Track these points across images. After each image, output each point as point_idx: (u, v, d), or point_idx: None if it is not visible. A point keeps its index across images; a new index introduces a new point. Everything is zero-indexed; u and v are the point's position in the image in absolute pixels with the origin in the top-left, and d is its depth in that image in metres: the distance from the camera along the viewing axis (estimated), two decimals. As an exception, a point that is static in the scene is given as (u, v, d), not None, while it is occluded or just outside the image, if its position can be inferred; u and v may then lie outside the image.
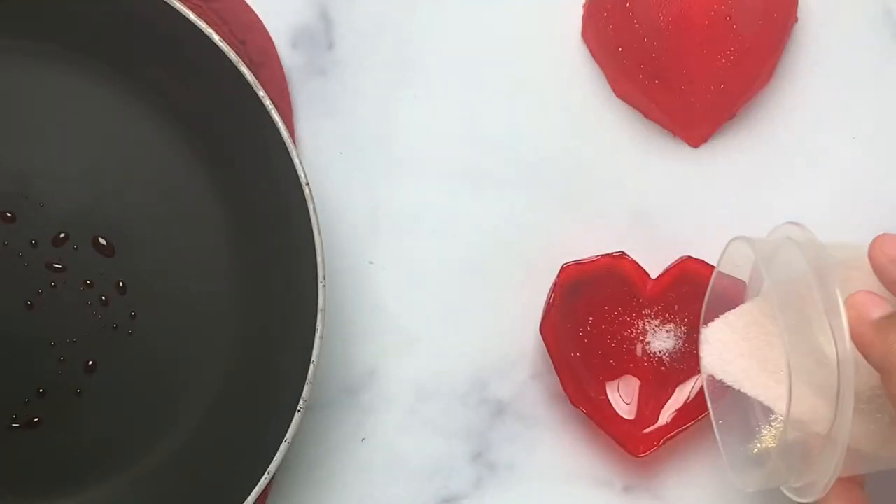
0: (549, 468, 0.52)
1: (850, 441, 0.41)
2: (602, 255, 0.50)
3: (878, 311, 0.40)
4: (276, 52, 0.51)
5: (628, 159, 0.52)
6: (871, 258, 0.42)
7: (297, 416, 0.45)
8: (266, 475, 0.45)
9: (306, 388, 0.45)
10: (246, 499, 0.45)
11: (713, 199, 0.52)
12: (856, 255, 0.43)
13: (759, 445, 0.46)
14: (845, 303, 0.41)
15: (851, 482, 0.44)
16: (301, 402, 0.45)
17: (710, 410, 0.47)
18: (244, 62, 0.46)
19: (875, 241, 0.42)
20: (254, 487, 0.45)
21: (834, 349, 0.41)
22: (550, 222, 0.52)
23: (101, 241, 0.50)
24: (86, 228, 0.50)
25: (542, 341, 0.49)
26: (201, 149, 0.50)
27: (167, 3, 0.45)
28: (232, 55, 0.46)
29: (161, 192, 0.50)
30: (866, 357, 0.40)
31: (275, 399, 0.47)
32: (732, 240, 0.46)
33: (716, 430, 0.47)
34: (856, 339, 0.41)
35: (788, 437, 0.42)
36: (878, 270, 0.42)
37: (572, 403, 0.49)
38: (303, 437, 0.51)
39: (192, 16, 0.45)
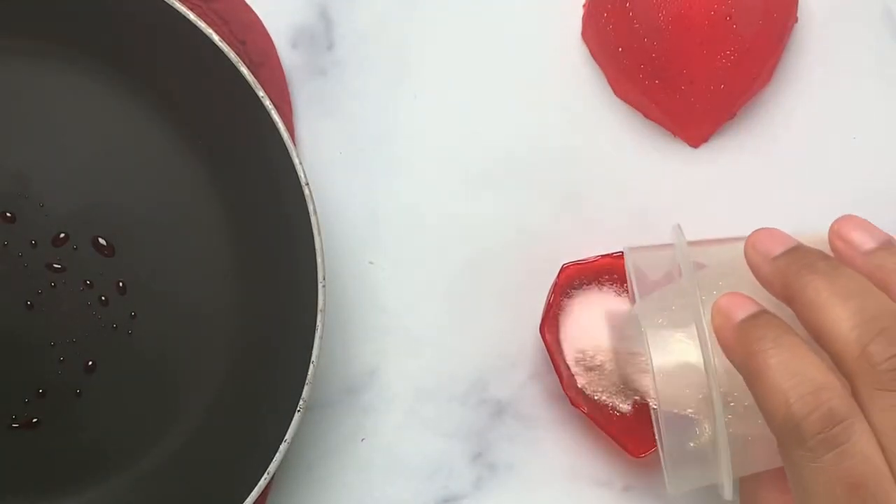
0: (549, 468, 0.52)
1: (748, 438, 0.40)
2: (602, 255, 0.50)
3: (742, 312, 0.39)
4: (276, 52, 0.51)
5: (628, 159, 0.52)
6: (746, 256, 0.41)
7: (297, 416, 0.45)
8: (266, 475, 0.45)
9: (306, 388, 0.45)
10: (246, 499, 0.45)
11: (713, 199, 0.52)
12: (737, 254, 0.42)
13: (696, 442, 0.45)
14: (712, 308, 0.40)
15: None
16: (301, 402, 0.45)
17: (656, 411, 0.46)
18: (244, 62, 0.46)
19: (749, 237, 0.41)
20: (254, 487, 0.45)
21: (700, 357, 0.40)
22: (550, 222, 0.52)
23: (101, 241, 0.50)
24: (86, 228, 0.50)
25: (542, 341, 0.49)
26: (201, 149, 0.50)
27: (167, 3, 0.45)
28: (232, 55, 0.46)
29: (161, 192, 0.50)
30: (731, 361, 0.39)
31: (275, 399, 0.47)
32: (625, 248, 0.46)
33: (661, 427, 0.45)
34: (721, 344, 0.39)
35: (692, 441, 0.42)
36: (752, 268, 0.40)
37: (572, 403, 0.49)
38: (303, 437, 0.51)
39: (191, 16, 0.45)
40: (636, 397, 0.49)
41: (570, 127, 0.52)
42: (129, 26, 0.47)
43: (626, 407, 0.49)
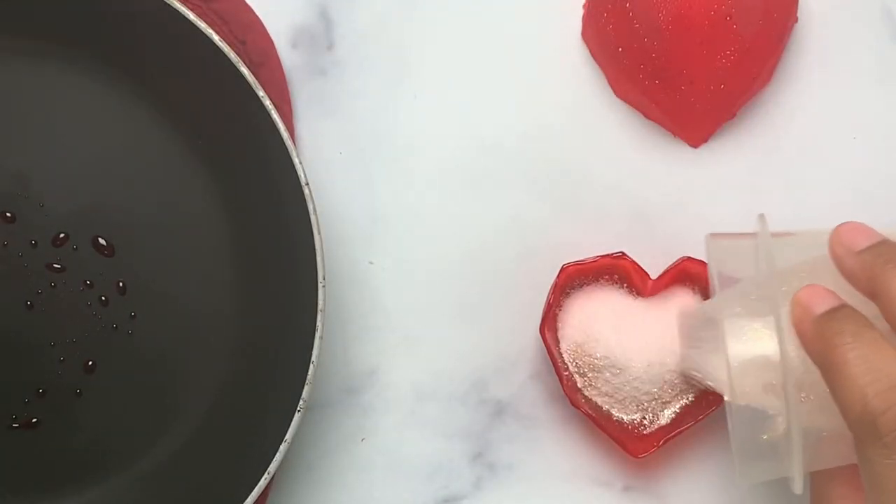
0: (549, 468, 0.52)
1: (821, 433, 0.40)
2: (602, 255, 0.50)
3: (823, 305, 0.39)
4: (276, 52, 0.51)
5: (628, 159, 0.52)
6: (830, 249, 0.41)
7: (297, 416, 0.45)
8: (266, 475, 0.45)
9: (306, 388, 0.45)
10: (246, 499, 0.45)
11: (713, 199, 0.52)
12: (820, 247, 0.42)
13: (769, 434, 0.45)
14: (791, 299, 0.40)
15: (857, 467, 0.42)
16: (301, 402, 0.45)
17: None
18: (244, 62, 0.46)
19: (834, 231, 0.41)
20: (254, 487, 0.45)
21: (776, 349, 0.40)
22: (550, 222, 0.52)
23: (101, 241, 0.50)
24: (86, 228, 0.50)
25: (541, 341, 0.49)
26: (201, 149, 0.50)
27: (167, 3, 0.45)
28: (232, 55, 0.46)
29: (161, 193, 0.50)
30: (809, 354, 0.39)
31: (275, 399, 0.47)
32: (706, 236, 0.46)
33: (733, 419, 0.45)
34: (799, 336, 0.40)
35: (775, 432, 0.42)
36: (836, 262, 0.41)
37: (572, 404, 0.49)
38: (303, 437, 0.51)
39: (191, 16, 0.45)
40: (638, 404, 0.49)
41: (570, 127, 0.52)
42: (129, 26, 0.47)
43: (621, 415, 0.49)
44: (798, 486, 0.41)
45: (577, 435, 0.52)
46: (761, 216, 0.44)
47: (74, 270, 0.50)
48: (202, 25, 0.45)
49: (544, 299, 0.50)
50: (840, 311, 0.39)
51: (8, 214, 0.49)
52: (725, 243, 0.46)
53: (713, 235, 0.46)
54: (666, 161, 0.52)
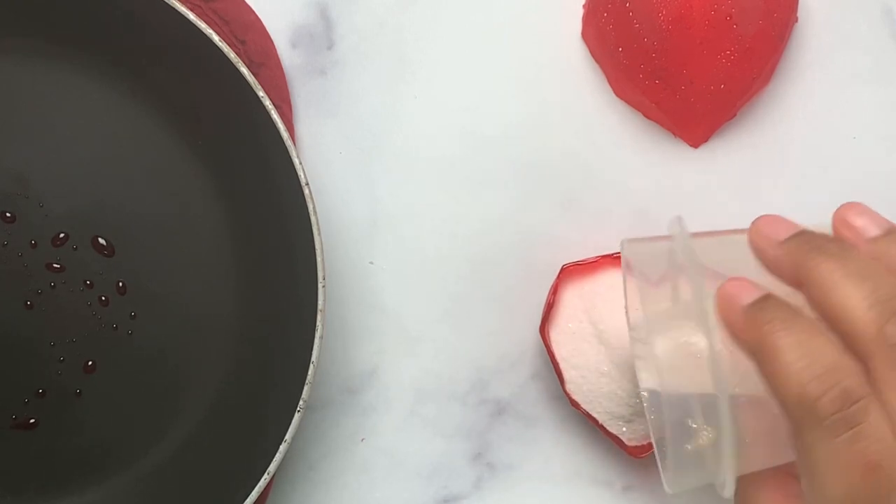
0: (549, 468, 0.52)
1: (751, 434, 0.40)
2: (602, 255, 0.50)
3: (749, 296, 0.38)
4: (276, 52, 0.51)
5: (628, 159, 0.52)
6: (750, 242, 0.40)
7: (297, 416, 0.45)
8: (266, 475, 0.45)
9: (306, 388, 0.45)
10: (246, 499, 0.45)
11: (713, 199, 0.52)
12: (739, 244, 0.41)
13: (693, 444, 0.44)
14: (717, 292, 0.39)
15: (786, 474, 0.41)
16: (301, 402, 0.45)
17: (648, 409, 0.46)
18: (244, 62, 0.46)
19: (752, 223, 0.40)
20: (254, 487, 0.45)
21: (705, 346, 0.40)
22: (550, 222, 0.52)
23: (101, 241, 0.50)
24: (86, 228, 0.50)
25: (541, 341, 0.49)
26: (201, 149, 0.50)
27: (167, 4, 0.45)
28: (232, 55, 0.46)
29: (161, 192, 0.50)
30: (740, 346, 0.38)
31: (275, 399, 0.47)
32: (622, 242, 0.45)
33: (661, 425, 0.44)
34: (728, 330, 0.39)
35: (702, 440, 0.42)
36: (758, 254, 0.40)
37: (572, 404, 0.49)
38: (303, 437, 0.51)
39: (191, 16, 0.45)
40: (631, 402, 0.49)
41: (570, 127, 0.52)
42: (128, 26, 0.47)
43: (618, 409, 0.49)
44: (729, 490, 0.40)
45: (577, 435, 0.52)
46: (677, 218, 0.43)
47: (74, 270, 0.50)
48: (202, 25, 0.45)
49: (544, 299, 0.50)
50: (768, 300, 0.38)
51: (8, 214, 0.50)
52: (642, 247, 0.45)
53: (629, 241, 0.45)
54: (666, 161, 0.52)
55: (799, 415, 0.36)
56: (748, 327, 0.38)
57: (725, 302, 0.39)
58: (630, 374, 0.48)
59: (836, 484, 0.34)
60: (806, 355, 0.36)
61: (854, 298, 0.36)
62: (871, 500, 0.34)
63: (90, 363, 0.50)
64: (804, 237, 0.39)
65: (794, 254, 0.38)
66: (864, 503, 0.34)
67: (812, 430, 0.35)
